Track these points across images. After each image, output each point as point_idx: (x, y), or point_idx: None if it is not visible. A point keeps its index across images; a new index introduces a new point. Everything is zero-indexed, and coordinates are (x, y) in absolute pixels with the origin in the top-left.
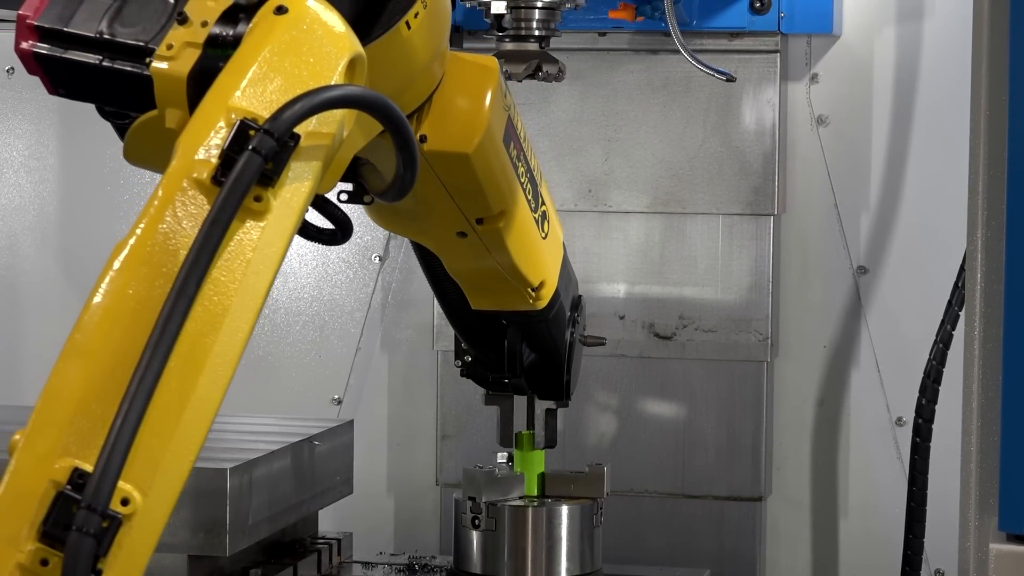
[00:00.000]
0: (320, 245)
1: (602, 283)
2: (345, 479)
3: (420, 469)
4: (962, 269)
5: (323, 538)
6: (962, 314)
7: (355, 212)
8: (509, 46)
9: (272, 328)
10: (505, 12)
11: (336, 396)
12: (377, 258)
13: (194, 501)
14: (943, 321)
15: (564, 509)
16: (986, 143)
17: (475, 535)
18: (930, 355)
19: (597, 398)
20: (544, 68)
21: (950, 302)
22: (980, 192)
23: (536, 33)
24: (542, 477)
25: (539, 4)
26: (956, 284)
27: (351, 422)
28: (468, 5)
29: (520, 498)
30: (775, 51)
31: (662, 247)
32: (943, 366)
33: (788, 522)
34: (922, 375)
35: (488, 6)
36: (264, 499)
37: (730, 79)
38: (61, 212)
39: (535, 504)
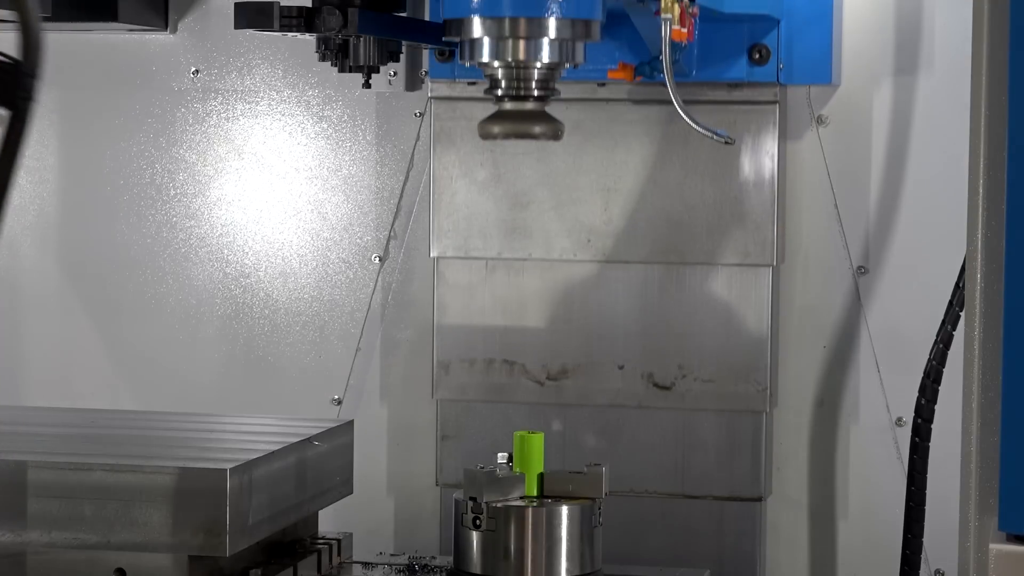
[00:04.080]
0: (319, 245)
1: (601, 333)
2: (345, 479)
3: (420, 469)
4: (962, 269)
5: (323, 538)
6: (962, 314)
7: (355, 212)
8: (508, 106)
9: (272, 328)
10: (502, 77)
11: (336, 396)
12: (377, 258)
13: (194, 501)
14: (943, 321)
15: (564, 509)
16: (986, 143)
17: (475, 535)
18: (930, 355)
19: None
20: (538, 129)
21: (950, 302)
22: (980, 192)
23: (535, 93)
24: (540, 477)
25: (538, 65)
26: (956, 284)
27: (351, 422)
28: (467, 65)
29: (520, 498)
30: (774, 102)
31: (661, 297)
32: (943, 366)
33: (788, 522)
34: (922, 375)
35: (487, 66)
36: (264, 499)
37: (728, 142)
38: (61, 212)
39: (535, 504)
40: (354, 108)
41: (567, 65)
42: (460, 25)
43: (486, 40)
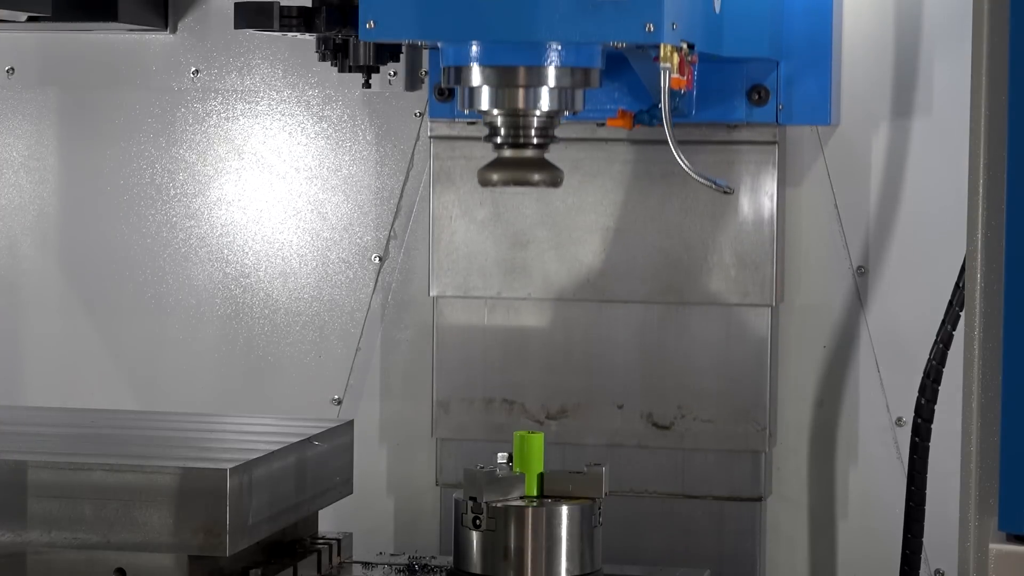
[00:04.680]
0: (319, 245)
1: (601, 372)
2: (345, 479)
3: (420, 469)
4: (962, 269)
5: (323, 538)
6: (962, 314)
7: (355, 212)
8: (507, 153)
9: (272, 328)
10: (501, 124)
11: (336, 396)
12: (377, 258)
13: (194, 501)
14: (943, 321)
15: (564, 509)
16: (986, 143)
17: (475, 535)
18: (930, 355)
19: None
20: (537, 176)
21: (950, 302)
22: (980, 192)
23: (534, 141)
24: (540, 477)
25: (537, 113)
26: (956, 284)
27: (351, 422)
28: (466, 111)
29: (520, 498)
30: (773, 142)
31: (660, 337)
32: (943, 366)
33: (788, 522)
34: (922, 375)
35: (486, 114)
36: (264, 499)
37: (727, 191)
38: (61, 212)
39: (535, 504)
40: (354, 108)
41: (566, 113)
42: (459, 73)
43: (485, 88)
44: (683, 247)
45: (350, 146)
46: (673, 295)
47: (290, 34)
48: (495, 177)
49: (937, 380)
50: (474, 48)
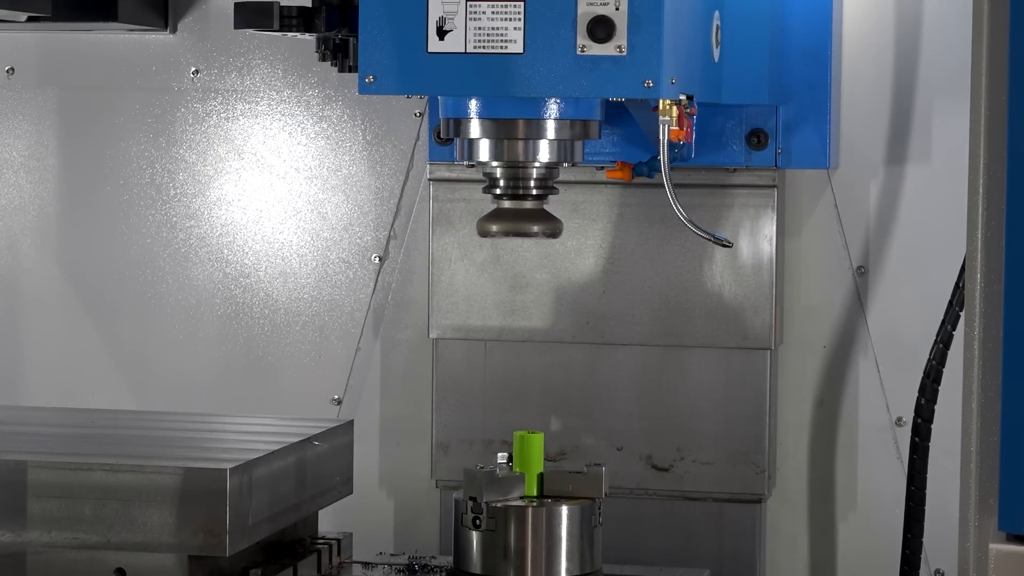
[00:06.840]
0: (319, 245)
1: (600, 415)
2: (345, 479)
3: (419, 469)
4: (962, 269)
5: (323, 538)
6: (962, 314)
7: (355, 212)
8: (506, 204)
9: (272, 328)
10: (500, 176)
11: (336, 396)
12: (377, 258)
13: (194, 501)
14: (943, 321)
15: (564, 509)
16: (986, 143)
17: (475, 535)
18: (930, 355)
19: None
20: (536, 227)
21: (950, 302)
22: (980, 192)
23: (533, 192)
24: (540, 477)
25: (536, 165)
26: (956, 284)
27: (351, 422)
28: (465, 164)
29: (520, 498)
30: (772, 186)
31: (659, 379)
32: (943, 366)
33: (788, 522)
34: (922, 375)
35: (485, 165)
36: (264, 499)
37: (727, 244)
38: (61, 212)
39: (535, 504)
40: (354, 108)
41: (565, 164)
42: (458, 125)
43: (484, 141)
44: (682, 290)
45: (350, 146)
46: (672, 338)
47: (290, 34)
48: (494, 228)
49: (937, 380)
50: (473, 101)
